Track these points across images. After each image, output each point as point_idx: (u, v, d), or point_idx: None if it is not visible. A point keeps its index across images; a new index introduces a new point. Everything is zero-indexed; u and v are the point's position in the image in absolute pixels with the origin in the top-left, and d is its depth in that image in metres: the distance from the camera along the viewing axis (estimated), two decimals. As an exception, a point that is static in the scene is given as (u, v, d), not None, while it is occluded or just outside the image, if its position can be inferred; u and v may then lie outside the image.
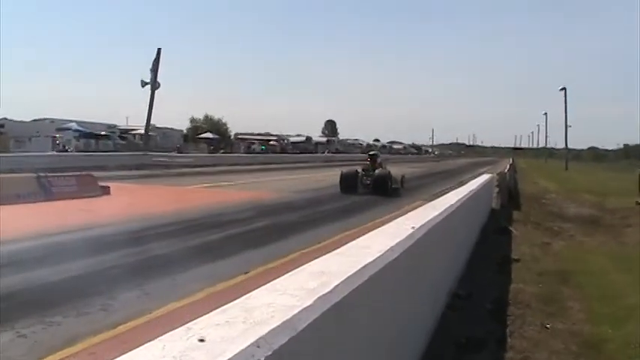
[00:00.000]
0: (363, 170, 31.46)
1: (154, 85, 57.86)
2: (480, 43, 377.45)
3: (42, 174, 23.01)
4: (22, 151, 52.42)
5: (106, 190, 24.51)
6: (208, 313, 2.87)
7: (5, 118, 76.07)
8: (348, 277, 3.96)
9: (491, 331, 8.77)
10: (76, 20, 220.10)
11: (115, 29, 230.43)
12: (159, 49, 58.57)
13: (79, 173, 25.67)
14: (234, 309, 2.92)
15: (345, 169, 32.20)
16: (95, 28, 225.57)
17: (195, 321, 2.77)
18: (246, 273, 11.27)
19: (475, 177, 27.37)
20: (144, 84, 58.06)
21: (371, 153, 34.95)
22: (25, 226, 15.57)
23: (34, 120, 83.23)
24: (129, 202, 22.50)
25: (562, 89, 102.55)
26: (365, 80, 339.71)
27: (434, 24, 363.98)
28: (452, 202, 10.30)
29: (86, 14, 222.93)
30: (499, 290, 11.46)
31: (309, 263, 4.37)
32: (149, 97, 58.65)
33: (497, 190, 27.67)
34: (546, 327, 9.19)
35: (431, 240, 7.41)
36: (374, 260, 4.65)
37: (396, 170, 34.93)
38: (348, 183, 30.49)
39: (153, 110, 59.80)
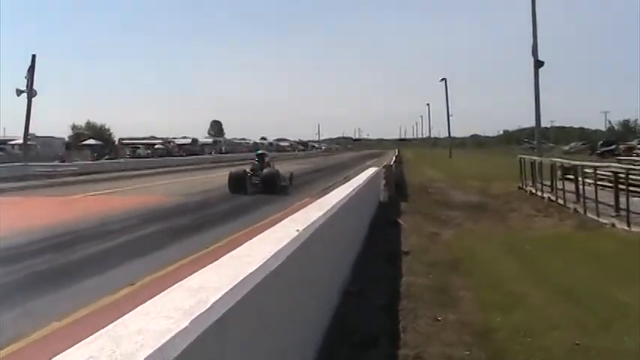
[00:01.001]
0: (251, 170, 31.38)
1: (30, 93, 56.05)
2: (361, 37, 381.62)
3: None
4: None
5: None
6: (68, 347, 2.58)
7: None
8: (228, 292, 3.76)
9: (384, 327, 8.72)
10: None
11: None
12: (33, 56, 56.77)
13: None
14: (99, 340, 2.64)
15: (233, 170, 31.99)
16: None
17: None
18: (132, 284, 10.94)
19: (362, 170, 27.52)
20: (19, 92, 56.15)
21: (258, 152, 35.23)
22: None
23: None
24: (11, 215, 21.53)
25: (442, 80, 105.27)
26: (248, 79, 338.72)
27: (314, 19, 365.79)
28: (337, 200, 10.18)
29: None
30: (390, 285, 11.45)
31: (187, 278, 4.15)
32: (26, 105, 56.75)
33: (384, 182, 27.89)
34: (438, 319, 9.20)
35: (317, 241, 7.30)
36: (256, 270, 4.42)
37: (285, 168, 34.99)
38: (237, 183, 30.20)
39: (31, 119, 57.89)
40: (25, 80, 56.19)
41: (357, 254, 13.42)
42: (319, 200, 10.56)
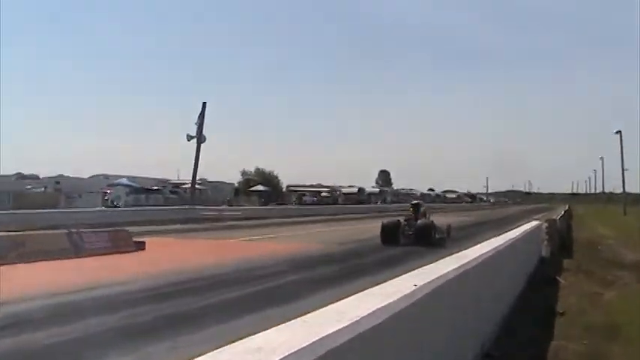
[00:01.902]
0: (405, 220, 30.25)
1: (200, 139, 57.79)
2: (532, 89, 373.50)
3: (74, 230, 22.49)
4: (73, 207, 52.41)
5: (140, 246, 23.96)
6: None
7: (61, 175, 76.83)
8: (290, 355, 3.07)
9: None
10: (124, 78, 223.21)
11: (163, 85, 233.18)
12: (204, 103, 58.71)
13: (112, 229, 25.13)
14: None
15: (386, 220, 30.91)
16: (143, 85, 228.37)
17: None
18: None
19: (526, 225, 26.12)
20: (189, 138, 58.08)
21: (413, 202, 33.81)
22: (35, 285, 15.06)
23: (92, 176, 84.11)
24: (159, 257, 21.83)
25: (617, 132, 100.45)
26: (418, 129, 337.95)
27: (484, 70, 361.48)
28: (478, 254, 9.25)
29: (129, 70, 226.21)
30: (538, 348, 10.34)
31: (251, 337, 3.48)
32: (195, 151, 58.50)
33: (547, 237, 26.43)
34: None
35: (442, 297, 6.45)
36: (338, 330, 3.71)
37: (447, 220, 34.03)
38: (390, 234, 29.16)
39: (200, 164, 59.66)
40: (195, 126, 58.01)
41: (506, 312, 12.35)
42: (460, 253, 9.63)
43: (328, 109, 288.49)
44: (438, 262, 8.01)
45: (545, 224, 28.31)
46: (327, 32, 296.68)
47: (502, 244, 12.17)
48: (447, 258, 8.66)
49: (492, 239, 13.69)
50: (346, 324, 3.96)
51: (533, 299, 15.00)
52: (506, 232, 18.46)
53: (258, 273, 18.20)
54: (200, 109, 58.71)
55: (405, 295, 5.23)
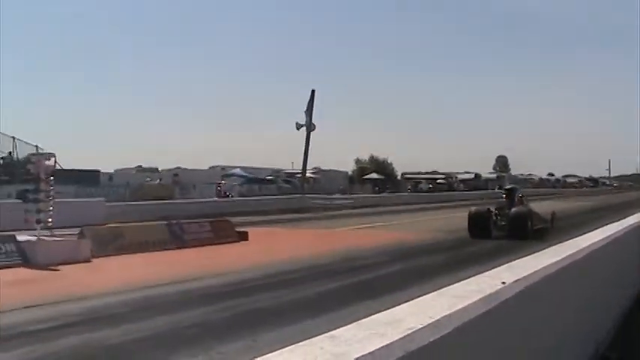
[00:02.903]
0: (496, 209, 26.49)
1: (309, 127, 57.35)
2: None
3: (174, 221, 22.19)
4: (187, 198, 52.84)
5: (243, 236, 23.50)
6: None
7: (179, 167, 77.98)
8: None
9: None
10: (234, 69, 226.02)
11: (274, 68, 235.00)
12: (313, 91, 58.19)
13: (214, 219, 24.70)
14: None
15: (474, 209, 27.14)
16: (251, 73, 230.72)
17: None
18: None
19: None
20: (299, 126, 57.73)
21: (507, 187, 30.48)
22: (126, 277, 14.79)
23: (210, 168, 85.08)
24: (260, 248, 21.27)
25: None
26: (537, 113, 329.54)
27: (608, 50, 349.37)
28: (588, 243, 8.05)
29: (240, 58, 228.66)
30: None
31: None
32: (305, 139, 58.14)
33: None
34: None
35: (537, 296, 5.43)
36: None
37: (562, 206, 32.08)
38: (479, 225, 25.49)
39: (314, 152, 59.34)
40: (305, 115, 57.63)
41: (623, 308, 11.06)
42: (567, 242, 8.44)
43: (445, 95, 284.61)
44: (537, 254, 6.92)
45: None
46: (433, 17, 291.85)
47: (618, 231, 10.84)
48: (549, 249, 7.53)
49: (608, 226, 12.36)
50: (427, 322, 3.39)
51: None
52: (625, 217, 16.99)
53: (360, 263, 17.63)
54: (309, 97, 58.28)
55: (488, 296, 4.27)
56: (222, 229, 23.37)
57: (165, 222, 22.06)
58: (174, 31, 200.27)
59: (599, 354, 8.24)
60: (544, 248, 7.48)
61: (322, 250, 20.69)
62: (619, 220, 15.15)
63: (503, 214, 25.93)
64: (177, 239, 21.22)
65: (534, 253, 6.81)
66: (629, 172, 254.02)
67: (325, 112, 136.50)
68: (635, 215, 17.03)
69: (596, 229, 11.47)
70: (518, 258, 5.99)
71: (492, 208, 26.52)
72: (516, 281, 4.88)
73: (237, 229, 24.16)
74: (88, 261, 17.32)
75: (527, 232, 24.33)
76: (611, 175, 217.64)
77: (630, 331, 9.94)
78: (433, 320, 3.44)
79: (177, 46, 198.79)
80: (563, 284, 6.41)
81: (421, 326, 3.31)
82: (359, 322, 3.38)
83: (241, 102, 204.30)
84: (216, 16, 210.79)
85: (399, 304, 3.83)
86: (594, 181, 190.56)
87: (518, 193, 28.48)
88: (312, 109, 57.73)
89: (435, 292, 4.30)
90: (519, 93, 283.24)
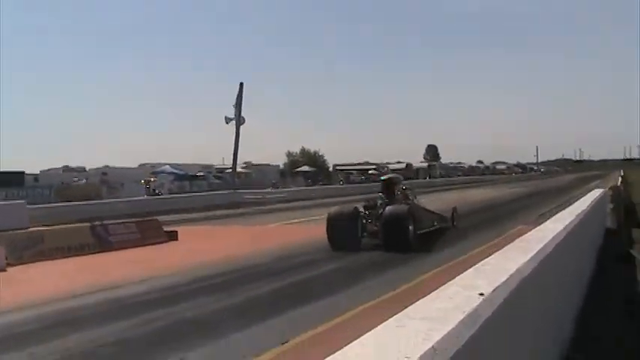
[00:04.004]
0: (366, 208, 20.28)
1: (239, 121, 56.23)
2: (581, 53, 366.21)
3: (97, 222, 20.91)
4: (115, 197, 51.33)
5: (172, 236, 22.38)
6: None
7: (107, 166, 76.46)
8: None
9: None
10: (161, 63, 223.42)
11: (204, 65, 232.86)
12: (241, 84, 57.05)
13: (141, 219, 23.46)
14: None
15: (335, 209, 20.63)
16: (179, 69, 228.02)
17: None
18: (284, 343, 8.56)
19: (583, 194, 23.80)
20: (228, 120, 56.56)
21: (384, 177, 23.30)
22: (41, 288, 13.56)
23: (139, 166, 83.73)
24: (190, 249, 20.17)
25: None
26: (465, 102, 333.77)
27: (529, 40, 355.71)
28: (552, 237, 7.19)
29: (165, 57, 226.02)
30: (631, 350, 8.36)
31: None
32: (234, 133, 57.00)
33: (611, 206, 24.24)
34: None
35: (517, 307, 4.55)
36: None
37: (493, 194, 31.14)
38: (342, 232, 19.11)
39: (245, 147, 58.41)
40: (234, 108, 56.51)
41: (580, 302, 10.34)
42: (527, 235, 7.58)
43: (374, 87, 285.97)
44: (504, 250, 6.05)
45: (609, 192, 26.10)
46: (364, 7, 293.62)
47: (573, 221, 10.08)
48: (513, 244, 6.67)
49: (560, 214, 11.65)
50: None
51: (609, 282, 12.97)
52: (570, 203, 16.43)
53: (296, 261, 16.80)
54: (238, 90, 57.12)
55: (470, 315, 3.36)
56: (150, 229, 22.14)
57: (88, 224, 20.74)
58: (99, 27, 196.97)
59: (564, 356, 7.48)
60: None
61: (254, 248, 19.67)
62: (562, 205, 14.60)
63: (375, 214, 19.90)
64: (101, 242, 19.92)
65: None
66: (554, 158, 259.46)
67: (255, 106, 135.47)
68: (581, 201, 16.43)
69: (545, 215, 10.75)
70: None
71: (361, 207, 20.31)
72: (495, 290, 3.99)
73: (167, 229, 23.01)
74: (2, 270, 16.01)
75: (407, 240, 18.44)
76: (539, 160, 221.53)
77: (589, 327, 9.21)
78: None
79: (104, 40, 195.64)
80: (537, 286, 5.55)
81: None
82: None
83: (169, 97, 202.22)
84: (142, 11, 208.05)
85: (353, 339, 2.90)
86: (523, 167, 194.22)
87: (400, 185, 22.32)
88: (241, 103, 56.54)
89: (400, 314, 3.38)
90: (448, 84, 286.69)
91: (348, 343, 2.79)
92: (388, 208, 19.30)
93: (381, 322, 3.17)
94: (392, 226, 18.48)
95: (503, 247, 6.28)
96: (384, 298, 11.21)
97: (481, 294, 3.84)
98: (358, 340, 2.89)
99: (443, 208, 24.99)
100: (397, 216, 18.71)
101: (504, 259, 5.42)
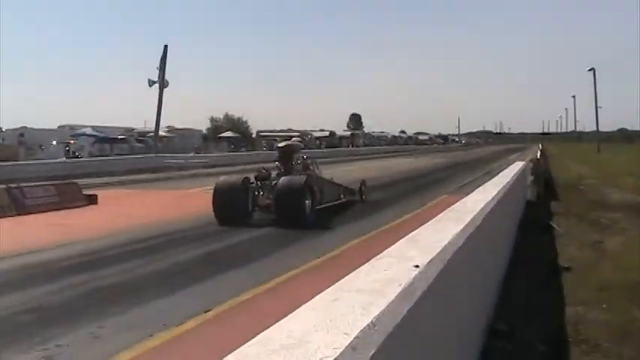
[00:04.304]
0: (258, 179, 18.44)
1: (162, 84, 55.29)
2: (503, 28, 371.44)
3: (13, 185, 20.27)
4: (34, 159, 50.14)
5: (92, 200, 21.87)
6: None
7: (25, 127, 74.35)
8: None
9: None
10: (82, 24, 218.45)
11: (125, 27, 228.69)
12: (165, 46, 56.03)
13: (59, 182, 22.89)
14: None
15: (223, 178, 18.69)
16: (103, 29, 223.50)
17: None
18: (207, 311, 8.39)
19: (504, 165, 24.07)
20: (151, 83, 55.59)
21: (281, 144, 21.22)
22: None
23: (58, 127, 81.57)
24: (110, 213, 19.77)
25: (591, 69, 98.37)
26: (388, 73, 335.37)
27: (454, 13, 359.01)
28: (480, 207, 7.14)
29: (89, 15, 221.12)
30: (551, 318, 8.42)
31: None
32: (157, 96, 56.08)
33: (532, 178, 24.58)
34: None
35: (450, 277, 4.45)
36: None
37: (420, 163, 31.14)
38: (230, 203, 17.42)
39: (167, 111, 57.62)
40: (157, 71, 55.54)
41: (503, 272, 10.41)
42: (456, 205, 7.52)
43: (298, 52, 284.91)
44: (435, 220, 5.96)
45: (530, 164, 26.47)
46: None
47: (500, 191, 10.08)
48: (443, 214, 6.59)
49: (485, 185, 11.67)
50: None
51: (530, 252, 13.10)
52: (492, 175, 16.57)
53: (216, 228, 16.52)
54: (162, 53, 56.14)
55: (406, 288, 3.23)
56: (69, 193, 21.59)
57: (4, 186, 20.10)
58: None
59: (488, 327, 7.48)
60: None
61: (176, 213, 19.53)
62: (480, 176, 14.64)
63: (268, 186, 18.20)
64: (17, 204, 19.35)
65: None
66: (476, 129, 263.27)
67: (179, 70, 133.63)
68: (504, 174, 16.55)
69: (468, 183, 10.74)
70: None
71: (252, 177, 18.51)
72: (430, 262, 3.88)
73: (86, 192, 22.46)
74: None
75: (302, 214, 16.98)
76: (460, 132, 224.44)
77: (513, 298, 9.27)
78: (352, 339, 2.40)
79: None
80: (467, 258, 5.47)
81: (338, 351, 2.27)
82: (249, 344, 2.36)
83: (92, 57, 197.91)
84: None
85: (289, 311, 2.75)
86: (444, 138, 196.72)
87: (299, 153, 20.37)
88: (165, 66, 55.55)
89: (335, 287, 3.24)
90: (373, 54, 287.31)
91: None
92: (282, 179, 17.68)
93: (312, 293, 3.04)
94: (285, 198, 16.85)
95: (420, 221, 6.16)
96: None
97: (416, 266, 3.73)
98: (293, 313, 2.74)
99: (367, 177, 24.89)
100: (291, 187, 17.06)
101: (436, 230, 5.33)
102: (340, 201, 21.08)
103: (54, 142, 63.02)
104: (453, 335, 4.93)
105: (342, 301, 2.92)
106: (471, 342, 6.16)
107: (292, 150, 20.07)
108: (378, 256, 4.07)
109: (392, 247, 4.45)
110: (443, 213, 6.60)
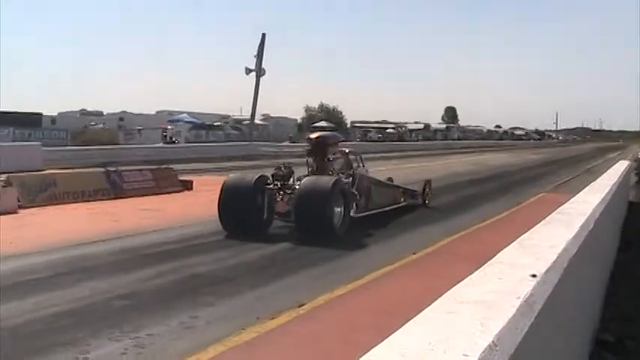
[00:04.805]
0: (275, 178, 14.82)
1: (259, 72, 55.62)
2: (603, 25, 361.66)
3: (112, 168, 20.58)
4: (132, 143, 51.10)
5: (187, 185, 22.08)
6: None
7: (124, 111, 76.01)
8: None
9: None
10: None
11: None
12: (263, 34, 56.38)
13: (156, 167, 23.10)
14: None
15: (234, 176, 15.54)
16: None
17: None
18: (301, 306, 8.21)
19: (604, 163, 23.18)
20: (248, 71, 55.98)
21: (313, 136, 17.12)
22: (53, 233, 13.26)
23: (157, 112, 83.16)
24: (205, 199, 19.60)
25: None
26: (485, 65, 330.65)
27: (552, 8, 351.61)
28: (592, 210, 6.68)
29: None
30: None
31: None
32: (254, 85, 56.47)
33: (636, 179, 23.71)
34: None
35: (568, 286, 4.15)
36: None
37: (514, 159, 30.11)
38: (239, 210, 13.83)
39: (263, 99, 57.76)
40: (255, 59, 55.90)
41: (607, 278, 9.90)
42: (564, 207, 7.08)
43: (396, 45, 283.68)
44: (545, 223, 5.59)
45: (633, 163, 25.53)
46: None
47: (609, 193, 9.57)
48: (552, 216, 6.20)
49: (592, 185, 11.13)
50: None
51: (635, 258, 12.46)
52: (589, 170, 15.91)
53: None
54: (260, 41, 56.47)
55: (526, 301, 2.94)
56: (165, 178, 21.85)
57: (102, 169, 20.44)
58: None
59: (594, 339, 7.08)
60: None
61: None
62: (579, 175, 14.04)
63: (288, 185, 14.76)
64: (115, 188, 19.64)
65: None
66: (574, 126, 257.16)
67: (276, 58, 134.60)
68: (608, 174, 15.90)
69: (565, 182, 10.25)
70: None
71: (270, 176, 14.90)
72: (548, 271, 3.56)
73: (182, 178, 22.71)
74: (13, 212, 15.79)
75: (327, 225, 13.23)
76: (558, 128, 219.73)
77: (617, 305, 8.80)
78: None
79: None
80: (582, 264, 5.12)
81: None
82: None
83: (190, 45, 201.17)
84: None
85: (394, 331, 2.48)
86: (541, 134, 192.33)
87: (336, 147, 16.70)
88: (262, 54, 55.90)
89: (448, 296, 2.97)
90: (470, 46, 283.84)
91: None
92: (305, 179, 14.20)
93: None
94: (307, 204, 13.27)
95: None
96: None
97: (533, 275, 3.42)
98: (404, 327, 2.48)
99: (462, 171, 24.38)
100: (314, 191, 13.43)
101: (548, 233, 4.98)
102: (397, 205, 18.02)
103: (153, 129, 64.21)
104: (566, 350, 4.60)
105: (458, 315, 2.65)
106: (578, 354, 5.80)
107: (327, 143, 16.25)
108: (489, 262, 3.78)
109: (502, 252, 4.14)
110: (551, 215, 6.21)
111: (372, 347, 2.21)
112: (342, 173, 15.69)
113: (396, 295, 8.99)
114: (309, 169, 15.75)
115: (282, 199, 14.31)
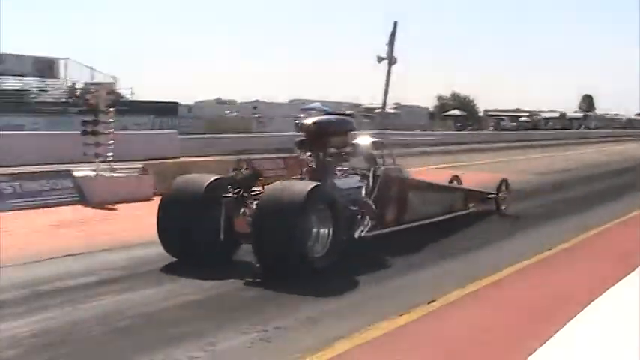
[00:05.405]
0: (233, 184, 10.00)
1: (391, 60, 55.13)
2: None
3: (244, 157, 20.76)
4: (264, 131, 51.96)
5: (317, 175, 22.05)
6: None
7: (257, 100, 77.26)
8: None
9: None
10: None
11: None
12: (395, 23, 55.64)
13: (287, 155, 23.22)
14: None
15: (180, 181, 10.31)
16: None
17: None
18: (431, 302, 7.92)
19: None
20: (380, 59, 55.60)
21: (306, 122, 11.68)
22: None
23: (290, 100, 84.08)
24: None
25: None
26: (625, 51, 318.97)
27: None
28: None
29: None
30: None
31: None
32: (385, 73, 56.11)
33: None
34: None
35: None
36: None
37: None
38: (184, 228, 9.44)
39: (395, 87, 57.27)
40: (387, 47, 55.53)
41: None
42: None
43: (526, 34, 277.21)
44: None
45: None
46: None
47: None
48: None
49: None
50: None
51: None
52: None
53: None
54: (391, 29, 56.06)
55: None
56: (295, 166, 21.88)
57: (235, 158, 20.70)
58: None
59: None
60: None
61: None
62: None
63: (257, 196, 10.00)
64: (247, 176, 19.85)
65: None
66: None
67: (408, 47, 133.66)
68: None
69: None
70: None
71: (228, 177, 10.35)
72: None
73: (311, 166, 22.71)
74: (149, 199, 15.95)
75: (293, 256, 8.78)
76: None
77: None
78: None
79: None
80: None
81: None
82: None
83: (321, 33, 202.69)
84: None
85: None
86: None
87: (347, 137, 11.93)
88: (393, 42, 55.37)
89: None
90: (606, 31, 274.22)
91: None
92: (271, 186, 9.64)
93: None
94: (269, 223, 8.96)
95: None
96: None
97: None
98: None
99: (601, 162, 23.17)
100: (279, 204, 8.97)
101: None
102: (458, 213, 14.38)
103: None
104: None
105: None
106: None
107: (327, 131, 11.53)
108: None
109: None
110: None
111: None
112: (357, 174, 11.86)
113: None
114: (302, 170, 11.64)
115: (243, 213, 9.68)
